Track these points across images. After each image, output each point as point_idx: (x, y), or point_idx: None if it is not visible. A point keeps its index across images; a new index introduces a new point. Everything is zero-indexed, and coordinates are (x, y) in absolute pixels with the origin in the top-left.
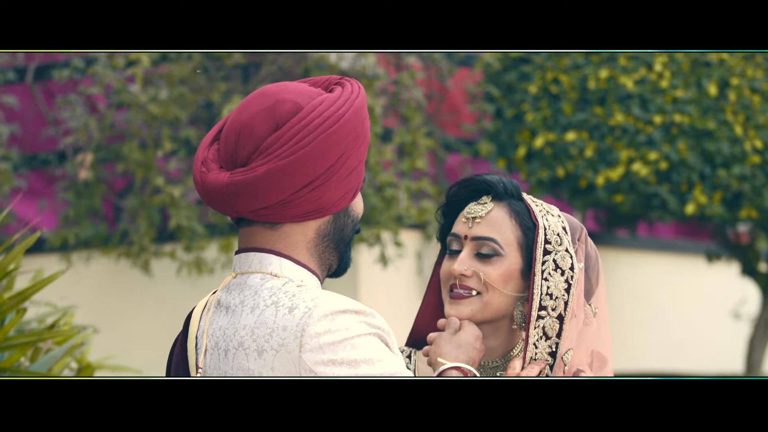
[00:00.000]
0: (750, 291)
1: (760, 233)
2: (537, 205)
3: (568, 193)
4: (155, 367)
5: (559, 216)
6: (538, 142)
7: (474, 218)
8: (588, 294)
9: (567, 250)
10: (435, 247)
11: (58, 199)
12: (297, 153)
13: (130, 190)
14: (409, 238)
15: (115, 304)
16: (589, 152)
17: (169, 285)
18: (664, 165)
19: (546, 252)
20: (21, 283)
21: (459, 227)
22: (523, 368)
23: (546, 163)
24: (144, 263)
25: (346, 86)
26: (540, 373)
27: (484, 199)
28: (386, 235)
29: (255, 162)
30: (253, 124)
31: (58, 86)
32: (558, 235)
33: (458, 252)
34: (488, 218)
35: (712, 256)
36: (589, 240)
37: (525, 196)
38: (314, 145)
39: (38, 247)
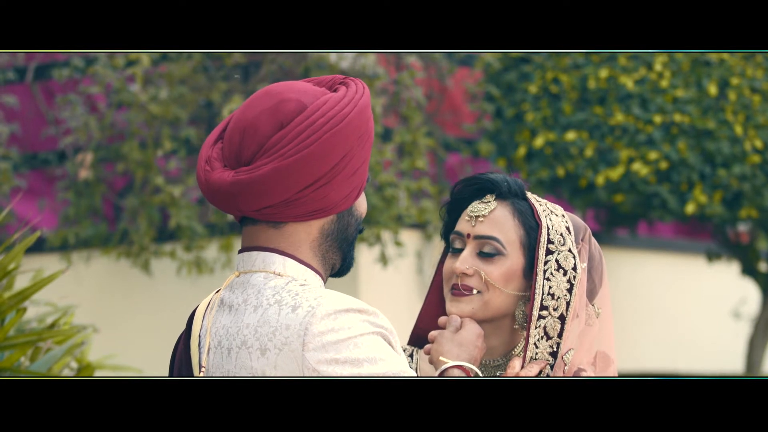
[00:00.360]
0: (750, 291)
1: (760, 233)
2: (541, 205)
3: (568, 192)
4: (155, 367)
5: (563, 216)
6: (538, 141)
7: (477, 217)
8: (591, 294)
9: (570, 251)
10: (435, 247)
11: (58, 199)
12: (301, 152)
13: (130, 189)
14: (409, 238)
15: (115, 303)
16: (589, 152)
17: (169, 284)
18: (664, 165)
19: (548, 252)
20: (21, 282)
21: (462, 225)
22: (522, 367)
23: (546, 163)
24: (144, 263)
25: (350, 86)
26: (540, 372)
27: (488, 197)
28: (386, 235)
29: (259, 161)
30: (258, 123)
31: (58, 86)
32: (561, 235)
33: (461, 250)
34: (491, 217)
35: (712, 256)
36: (593, 240)
37: (529, 195)
38: (318, 145)
39: (38, 247)
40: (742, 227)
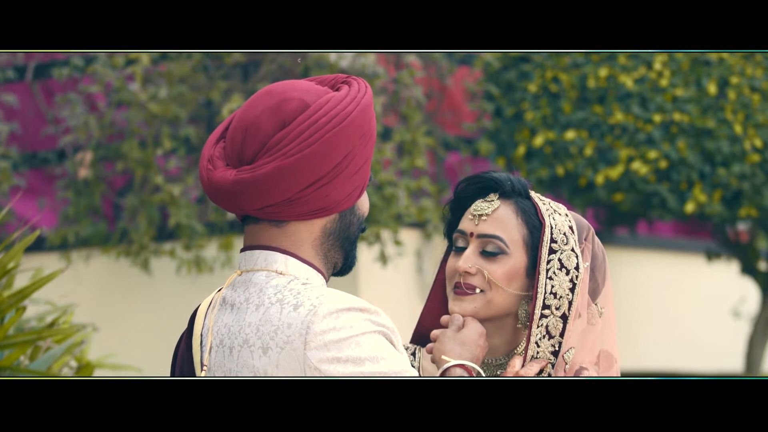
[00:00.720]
0: (750, 290)
1: (760, 232)
2: (544, 204)
3: (567, 191)
4: (155, 366)
5: (567, 215)
6: (538, 140)
7: (480, 216)
8: (594, 294)
9: (573, 250)
10: (434, 246)
11: (58, 198)
12: (303, 151)
13: (130, 188)
14: (409, 237)
15: (114, 302)
16: (588, 151)
17: (168, 283)
18: (663, 164)
19: (551, 251)
20: (21, 281)
21: (465, 224)
22: (522, 366)
23: (546, 162)
24: (144, 262)
25: (353, 85)
26: (541, 371)
27: (491, 196)
28: (386, 234)
29: (261, 160)
30: (260, 122)
31: (58, 84)
32: (564, 234)
33: (464, 249)
34: (494, 216)
35: (711, 255)
36: (597, 239)
37: (532, 194)
38: (321, 144)
39: (38, 246)
40: (742, 226)
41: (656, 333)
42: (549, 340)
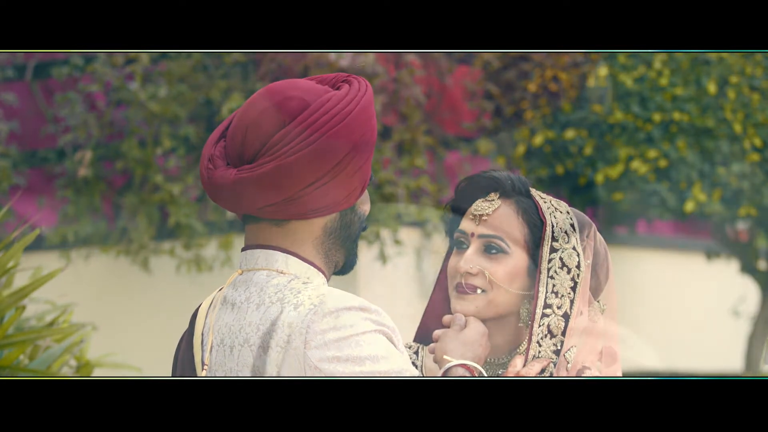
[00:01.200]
0: (749, 289)
1: (760, 231)
2: (545, 202)
3: (567, 190)
4: (155, 365)
5: (568, 212)
6: (538, 139)
7: (481, 216)
8: (596, 291)
9: (574, 248)
10: (434, 245)
11: (58, 197)
12: (304, 150)
13: (130, 187)
14: (408, 236)
15: (114, 301)
16: (588, 150)
17: (168, 282)
18: (663, 163)
19: (553, 250)
20: (20, 280)
21: (466, 224)
22: (524, 366)
23: (545, 161)
24: (143, 261)
25: (353, 84)
26: (543, 370)
27: (492, 196)
28: (385, 233)
29: (262, 159)
30: (261, 121)
31: (58, 84)
32: (565, 232)
33: (465, 248)
34: (495, 216)
35: (711, 254)
36: (599, 236)
37: (533, 192)
38: (321, 143)
39: (37, 245)
40: (741, 225)
41: (656, 333)
42: (551, 339)
